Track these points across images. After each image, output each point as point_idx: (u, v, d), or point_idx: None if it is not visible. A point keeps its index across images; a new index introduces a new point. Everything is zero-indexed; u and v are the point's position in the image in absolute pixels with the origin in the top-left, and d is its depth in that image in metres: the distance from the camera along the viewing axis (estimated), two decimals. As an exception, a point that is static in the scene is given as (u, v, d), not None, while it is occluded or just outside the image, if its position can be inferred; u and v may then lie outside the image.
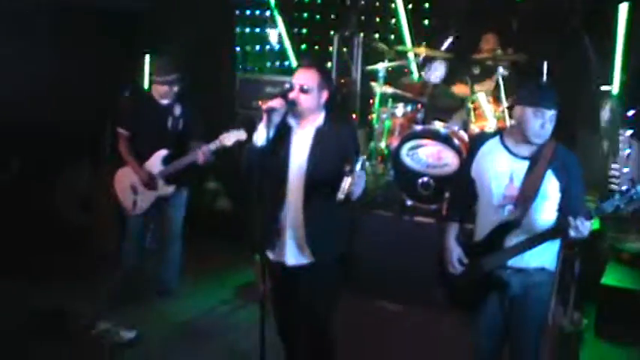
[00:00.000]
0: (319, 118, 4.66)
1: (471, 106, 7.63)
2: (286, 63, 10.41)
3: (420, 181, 7.04)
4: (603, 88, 8.18)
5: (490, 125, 7.46)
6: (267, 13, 10.23)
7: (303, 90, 4.54)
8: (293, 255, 4.72)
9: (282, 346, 5.14)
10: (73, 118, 7.67)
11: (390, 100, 8.13)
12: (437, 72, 7.79)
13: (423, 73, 8.00)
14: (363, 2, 10.08)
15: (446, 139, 6.97)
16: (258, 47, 10.33)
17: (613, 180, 7.49)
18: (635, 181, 4.10)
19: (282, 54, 10.40)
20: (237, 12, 10.05)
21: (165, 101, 6.46)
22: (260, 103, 8.05)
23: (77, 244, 7.83)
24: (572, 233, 3.98)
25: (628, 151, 7.88)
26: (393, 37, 9.92)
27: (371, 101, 8.61)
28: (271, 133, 4.46)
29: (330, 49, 9.65)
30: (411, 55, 8.85)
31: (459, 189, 4.78)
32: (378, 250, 6.85)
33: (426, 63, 7.99)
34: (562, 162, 4.25)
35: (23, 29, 7.60)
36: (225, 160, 6.81)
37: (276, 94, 4.65)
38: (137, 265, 6.81)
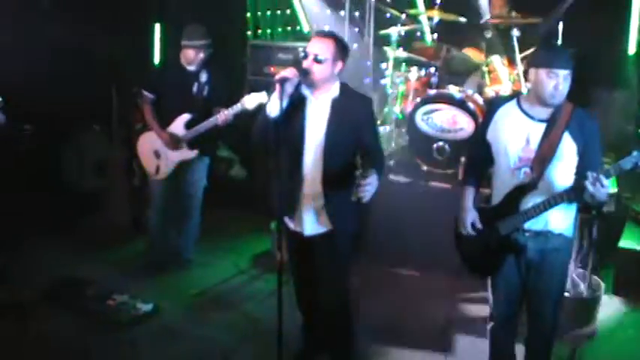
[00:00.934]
0: (334, 88, 4.60)
1: (485, 69, 7.55)
2: (298, 28, 10.30)
3: (435, 145, 6.99)
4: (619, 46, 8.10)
5: (505, 88, 7.38)
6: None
7: (317, 60, 4.48)
8: (311, 224, 4.72)
9: (300, 315, 5.15)
10: (81, 85, 7.64)
11: (404, 64, 8.05)
12: None
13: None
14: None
15: (461, 104, 6.91)
16: (269, 12, 10.21)
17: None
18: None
19: (293, 19, 10.29)
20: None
21: (192, 67, 6.45)
22: (272, 70, 8.00)
23: (92, 212, 7.88)
24: (590, 188, 3.92)
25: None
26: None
27: (384, 65, 8.53)
28: (284, 104, 4.39)
29: (342, 13, 9.54)
30: (423, 18, 8.75)
31: (475, 153, 4.75)
32: (393, 216, 6.80)
33: None
34: (579, 124, 4.21)
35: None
36: (239, 128, 6.79)
37: (288, 63, 4.59)
38: (161, 233, 6.81)
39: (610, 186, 4.02)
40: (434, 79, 7.65)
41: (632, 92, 8.16)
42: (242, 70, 8.69)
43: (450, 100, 6.97)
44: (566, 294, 5.43)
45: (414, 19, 8.69)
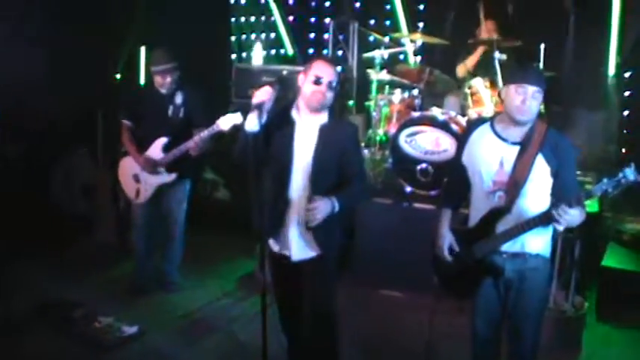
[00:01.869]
0: (323, 116, 4.63)
1: (468, 91, 7.62)
2: (282, 51, 10.39)
3: (418, 167, 7.04)
4: (600, 69, 8.21)
5: (487, 110, 7.44)
6: (262, 0, 10.21)
7: (331, 87, 4.51)
8: (299, 249, 4.71)
9: (285, 337, 5.15)
10: (67, 107, 7.67)
11: (387, 86, 8.12)
12: None
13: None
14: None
15: (444, 125, 6.96)
16: (253, 36, 10.29)
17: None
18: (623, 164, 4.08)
19: (278, 42, 10.38)
20: (232, 1, 10.01)
21: (165, 90, 6.46)
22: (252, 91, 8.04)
23: (78, 234, 7.88)
24: (557, 217, 3.99)
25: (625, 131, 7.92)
26: (388, 23, 9.89)
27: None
28: (263, 119, 4.40)
29: (326, 36, 9.63)
30: (406, 41, 8.84)
31: (452, 176, 4.78)
32: (377, 238, 6.85)
33: None
34: (553, 146, 4.22)
35: (19, 19, 7.60)
36: (222, 151, 6.82)
37: (268, 82, 4.62)
38: (145, 257, 6.82)
39: (579, 213, 4.03)
40: (417, 102, 7.70)
41: (612, 113, 8.27)
42: (227, 92, 8.75)
43: (433, 122, 7.02)
44: (549, 313, 5.48)
45: (397, 42, 8.77)
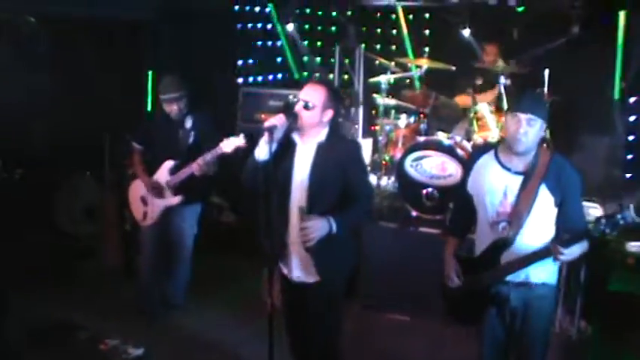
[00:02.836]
0: (321, 134, 4.67)
1: (473, 116, 7.65)
2: (288, 75, 10.45)
3: (424, 192, 7.06)
4: (605, 93, 8.23)
5: (493, 135, 7.48)
6: (269, 26, 10.28)
7: (306, 107, 4.56)
8: (298, 271, 4.74)
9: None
10: (73, 130, 7.72)
11: (393, 111, 8.16)
12: None
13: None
14: (364, 13, 10.11)
15: (449, 150, 7.00)
16: (260, 60, 10.36)
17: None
18: (622, 205, 4.05)
19: (284, 66, 10.44)
20: (239, 26, 10.09)
21: (175, 116, 6.50)
22: (263, 117, 8.09)
23: (84, 257, 7.90)
24: (556, 257, 4.02)
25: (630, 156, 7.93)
26: (394, 47, 9.96)
27: (374, 112, 8.65)
28: (273, 148, 4.45)
29: (332, 60, 9.68)
30: (412, 66, 8.90)
31: (458, 204, 4.80)
32: (383, 262, 6.85)
33: None
34: (557, 176, 4.17)
35: (26, 44, 7.66)
36: (229, 175, 6.84)
37: (279, 109, 4.67)
38: (152, 279, 6.82)
39: (577, 249, 4.04)
40: (423, 126, 7.74)
41: (616, 137, 8.28)
42: (233, 116, 8.79)
43: (438, 147, 7.05)
44: (555, 337, 5.47)
45: (403, 66, 8.82)
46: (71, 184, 8.34)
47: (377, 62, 8.59)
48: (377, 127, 8.19)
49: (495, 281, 4.34)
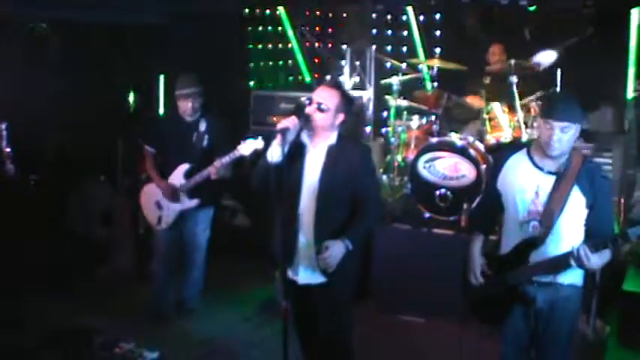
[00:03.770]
0: (332, 138, 4.68)
1: (486, 116, 7.62)
2: (300, 78, 10.45)
3: (437, 193, 7.03)
4: (619, 92, 8.19)
5: (506, 135, 7.45)
6: (279, 28, 10.28)
7: (320, 108, 4.56)
8: (305, 274, 4.75)
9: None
10: (87, 134, 7.74)
11: (405, 112, 8.15)
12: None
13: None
14: (374, 15, 10.10)
15: (462, 151, 6.97)
16: (271, 63, 10.37)
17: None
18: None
19: (295, 69, 10.44)
20: (250, 28, 10.10)
21: (189, 118, 6.52)
22: (275, 119, 8.09)
23: (98, 261, 7.92)
24: (574, 264, 4.02)
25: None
26: (405, 49, 9.94)
27: (385, 114, 8.63)
28: (286, 150, 4.46)
29: (343, 62, 9.68)
30: (424, 67, 8.88)
31: (485, 201, 4.77)
32: (397, 263, 6.83)
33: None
34: (589, 178, 4.17)
35: (38, 49, 7.70)
36: (241, 177, 6.84)
37: (291, 111, 4.67)
38: (166, 283, 6.84)
39: (598, 259, 4.01)
40: (435, 127, 7.72)
41: (631, 136, 8.24)
42: (245, 119, 8.81)
43: (451, 148, 7.03)
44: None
45: (414, 68, 8.81)
46: (85, 188, 8.36)
47: (387, 64, 8.57)
48: (389, 129, 8.16)
49: (526, 278, 4.33)
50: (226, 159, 6.06)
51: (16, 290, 6.72)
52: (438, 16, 9.86)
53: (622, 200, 7.13)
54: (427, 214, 7.12)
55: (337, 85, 4.77)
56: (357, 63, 9.49)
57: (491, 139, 7.53)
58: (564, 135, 4.08)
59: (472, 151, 6.97)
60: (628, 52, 8.06)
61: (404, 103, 8.08)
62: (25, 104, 7.30)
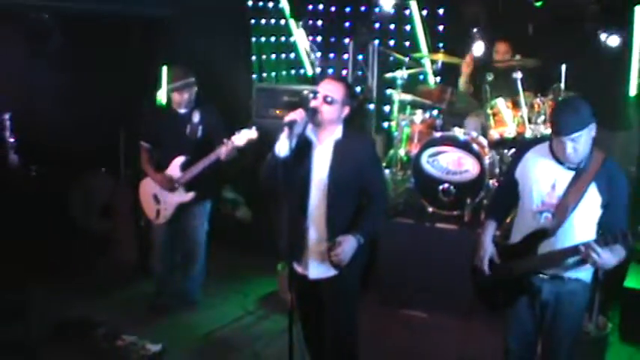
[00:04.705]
0: (337, 132, 4.68)
1: (490, 111, 7.61)
2: (302, 71, 10.42)
3: (440, 187, 7.03)
4: (621, 89, 8.18)
5: (509, 130, 7.44)
6: (282, 21, 10.25)
7: (327, 101, 4.56)
8: (316, 268, 4.74)
9: (309, 355, 5.15)
10: (89, 127, 7.73)
11: (409, 107, 8.14)
12: None
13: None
14: (377, 9, 10.06)
15: (466, 146, 6.96)
16: (273, 56, 10.35)
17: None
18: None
19: (297, 62, 10.41)
20: (253, 21, 10.08)
21: (183, 110, 6.52)
22: (278, 112, 8.08)
23: (100, 253, 7.93)
24: (587, 260, 4.03)
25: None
26: (408, 43, 9.91)
27: (388, 108, 8.62)
28: (293, 143, 4.45)
29: (346, 56, 9.66)
30: (427, 61, 8.86)
31: (502, 189, 4.83)
32: (400, 258, 6.84)
33: None
34: (608, 177, 4.18)
35: (40, 41, 7.68)
36: (243, 170, 6.85)
37: (297, 104, 4.65)
38: (167, 277, 6.85)
39: (610, 255, 4.02)
40: (439, 122, 7.72)
41: (633, 134, 8.23)
42: (247, 112, 8.79)
43: (455, 143, 7.03)
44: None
45: (417, 62, 8.79)
46: (86, 180, 8.35)
47: (390, 58, 8.56)
48: (393, 123, 8.14)
49: (533, 269, 4.35)
50: (221, 150, 6.07)
51: (18, 282, 6.71)
52: (441, 10, 9.80)
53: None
54: (430, 209, 7.12)
55: (340, 79, 4.77)
56: (360, 57, 9.47)
57: (494, 134, 7.51)
58: (578, 144, 4.10)
59: (475, 146, 6.97)
60: (631, 49, 8.06)
61: (407, 97, 8.07)
62: (26, 95, 7.28)
